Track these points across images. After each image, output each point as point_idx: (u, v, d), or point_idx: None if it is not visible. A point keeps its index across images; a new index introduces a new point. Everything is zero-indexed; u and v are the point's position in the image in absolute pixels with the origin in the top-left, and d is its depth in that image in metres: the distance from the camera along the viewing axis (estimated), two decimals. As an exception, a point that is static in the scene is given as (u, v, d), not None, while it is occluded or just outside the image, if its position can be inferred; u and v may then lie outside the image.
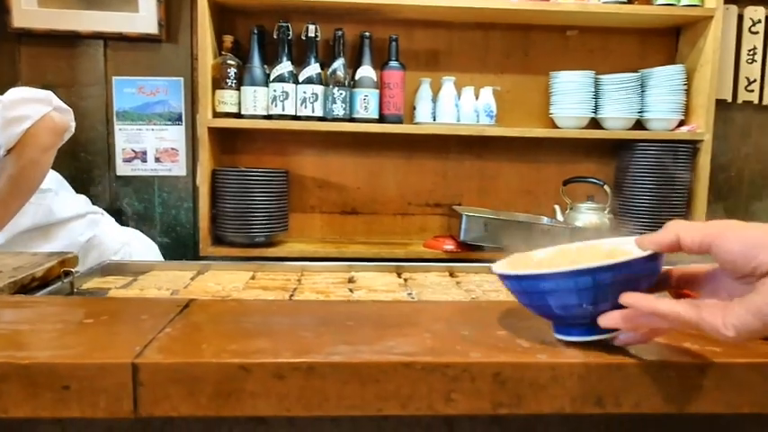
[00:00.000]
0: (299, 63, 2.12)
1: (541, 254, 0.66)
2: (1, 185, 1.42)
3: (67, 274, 1.10)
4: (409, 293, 1.13)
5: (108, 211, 1.90)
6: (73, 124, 1.53)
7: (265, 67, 2.12)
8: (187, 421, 0.61)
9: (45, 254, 1.25)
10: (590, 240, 0.66)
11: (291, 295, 1.09)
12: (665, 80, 2.21)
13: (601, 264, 0.55)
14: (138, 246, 1.82)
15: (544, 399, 0.56)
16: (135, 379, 0.54)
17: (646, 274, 0.58)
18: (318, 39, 2.14)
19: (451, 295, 1.12)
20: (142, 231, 1.97)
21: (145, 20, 2.19)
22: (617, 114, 2.22)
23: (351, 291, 1.14)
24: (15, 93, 1.45)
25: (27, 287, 1.03)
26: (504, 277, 0.61)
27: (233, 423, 0.62)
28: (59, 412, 0.54)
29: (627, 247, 0.61)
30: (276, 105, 2.09)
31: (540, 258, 0.66)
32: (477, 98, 2.23)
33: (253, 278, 1.23)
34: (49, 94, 1.48)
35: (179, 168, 2.30)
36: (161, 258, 1.91)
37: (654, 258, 0.57)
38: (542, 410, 0.56)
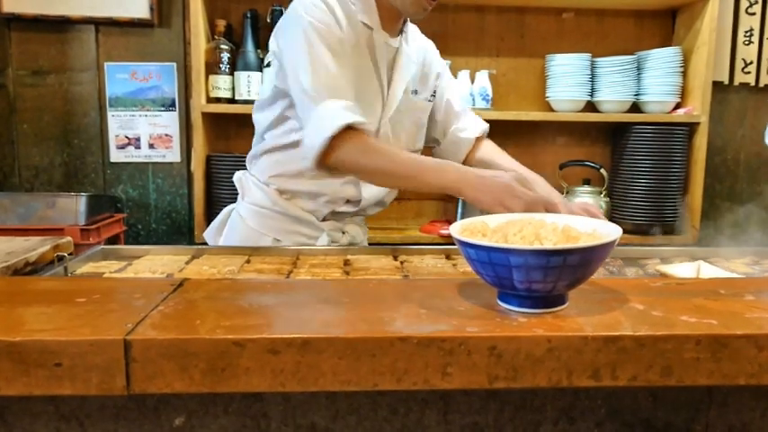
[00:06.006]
0: (293, 47, 2.10)
1: (493, 221, 0.69)
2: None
3: (61, 258, 1.09)
4: (405, 276, 1.12)
5: (103, 198, 1.88)
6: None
7: (259, 51, 2.10)
8: (182, 399, 0.61)
9: (38, 239, 1.24)
10: (534, 213, 0.72)
11: (287, 278, 1.08)
12: (661, 62, 2.20)
13: (574, 246, 0.58)
14: None
15: (541, 372, 0.56)
16: (127, 355, 0.53)
17: (606, 254, 0.61)
18: (312, 22, 2.11)
19: (448, 278, 1.11)
20: (137, 218, 1.96)
21: (136, 4, 2.16)
22: (613, 97, 2.20)
23: (347, 273, 1.13)
24: None
25: (20, 272, 1.02)
26: (470, 246, 0.60)
27: (228, 400, 0.62)
28: (52, 389, 0.54)
29: (575, 224, 0.66)
30: (270, 90, 2.07)
31: (496, 226, 0.68)
32: (472, 82, 2.22)
33: (248, 262, 1.22)
34: None
35: (173, 155, 2.28)
36: None
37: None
38: (539, 383, 0.56)
